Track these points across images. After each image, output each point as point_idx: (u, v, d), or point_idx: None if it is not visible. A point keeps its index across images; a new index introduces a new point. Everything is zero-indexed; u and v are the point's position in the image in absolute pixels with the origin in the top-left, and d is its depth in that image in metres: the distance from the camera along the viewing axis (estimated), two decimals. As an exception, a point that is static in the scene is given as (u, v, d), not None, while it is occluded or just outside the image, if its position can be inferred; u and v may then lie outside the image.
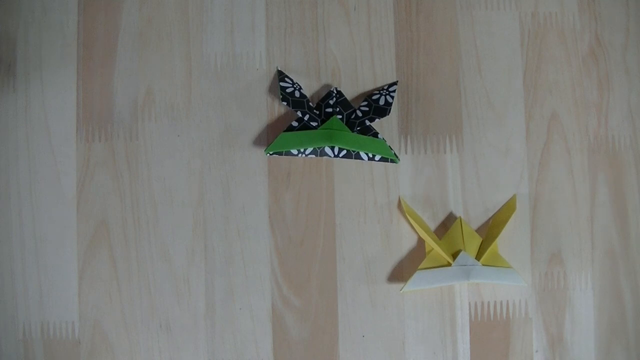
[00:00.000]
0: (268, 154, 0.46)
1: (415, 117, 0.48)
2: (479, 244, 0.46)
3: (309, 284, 0.46)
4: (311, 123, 0.45)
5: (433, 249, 0.46)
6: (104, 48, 0.47)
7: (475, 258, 0.45)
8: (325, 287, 0.46)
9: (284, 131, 0.45)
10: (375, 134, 0.45)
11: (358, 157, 0.46)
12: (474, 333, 0.46)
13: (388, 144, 0.45)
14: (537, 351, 0.47)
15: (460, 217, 0.47)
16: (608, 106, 0.48)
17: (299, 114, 0.46)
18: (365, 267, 0.47)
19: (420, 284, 0.44)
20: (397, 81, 0.48)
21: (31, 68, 0.47)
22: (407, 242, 0.47)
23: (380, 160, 0.46)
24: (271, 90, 0.47)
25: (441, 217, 0.47)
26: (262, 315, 0.46)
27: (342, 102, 0.46)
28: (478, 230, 0.47)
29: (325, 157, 0.46)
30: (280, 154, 0.46)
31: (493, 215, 0.47)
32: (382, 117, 0.46)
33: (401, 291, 0.45)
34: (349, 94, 0.48)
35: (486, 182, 0.48)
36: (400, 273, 0.47)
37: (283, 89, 0.46)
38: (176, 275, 0.46)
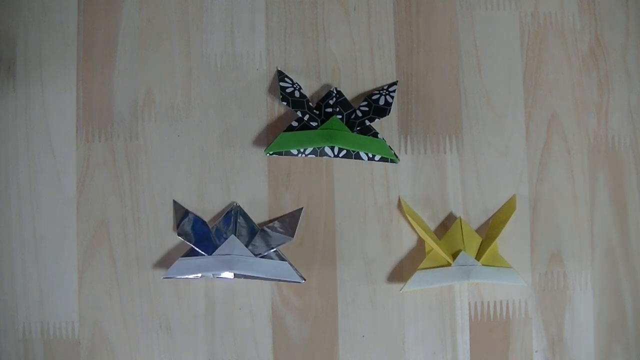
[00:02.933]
0: (268, 154, 0.46)
1: (415, 117, 0.48)
2: (479, 244, 0.46)
3: (309, 284, 0.46)
4: (311, 123, 0.45)
5: (433, 249, 0.46)
6: (104, 48, 0.47)
7: (475, 258, 0.45)
8: (325, 287, 0.46)
9: (284, 131, 0.45)
10: (375, 134, 0.45)
11: (358, 157, 0.46)
12: (474, 333, 0.46)
13: (388, 144, 0.45)
14: (537, 351, 0.47)
15: (460, 217, 0.47)
16: (608, 106, 0.48)
17: (299, 114, 0.45)
18: (365, 267, 0.47)
19: (420, 284, 0.44)
20: (397, 81, 0.48)
21: (31, 68, 0.47)
22: (407, 242, 0.47)
23: (380, 160, 0.46)
24: (271, 90, 0.47)
25: (441, 217, 0.47)
26: (262, 315, 0.46)
27: (342, 102, 0.46)
28: (478, 230, 0.47)
29: (325, 157, 0.46)
30: (280, 154, 0.46)
31: (493, 215, 0.47)
32: (382, 117, 0.46)
33: (401, 291, 0.45)
34: (349, 94, 0.48)
35: (486, 182, 0.48)
36: (400, 273, 0.47)
37: (283, 89, 0.46)
38: (176, 275, 0.46)
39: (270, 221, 0.46)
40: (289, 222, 0.46)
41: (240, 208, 0.46)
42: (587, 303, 0.47)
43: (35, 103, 0.47)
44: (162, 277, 0.44)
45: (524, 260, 0.47)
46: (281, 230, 0.45)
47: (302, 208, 0.46)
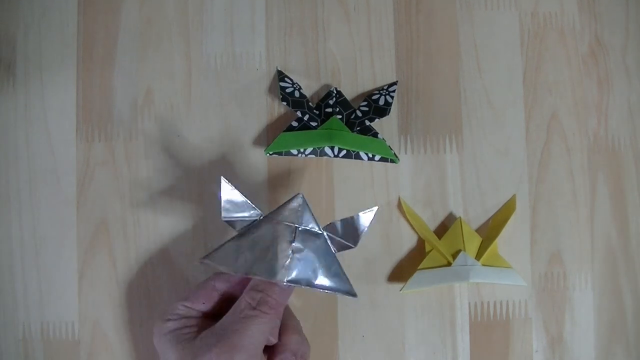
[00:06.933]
0: (268, 154, 0.46)
1: (415, 117, 0.48)
2: (479, 244, 0.46)
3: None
4: (311, 123, 0.45)
5: (433, 249, 0.46)
6: (104, 48, 0.47)
7: (475, 258, 0.45)
8: (325, 287, 0.46)
9: (284, 131, 0.45)
10: (375, 134, 0.45)
11: (358, 157, 0.46)
12: (474, 333, 0.46)
13: (388, 144, 0.45)
14: (537, 351, 0.47)
15: (460, 217, 0.47)
16: (608, 106, 0.48)
17: (299, 114, 0.46)
18: (365, 267, 0.47)
19: (420, 284, 0.44)
20: (397, 81, 0.48)
21: (31, 68, 0.47)
22: (407, 242, 0.47)
23: (380, 160, 0.46)
24: (271, 90, 0.47)
25: (441, 217, 0.47)
26: (262, 315, 0.46)
27: (342, 102, 0.46)
28: (478, 230, 0.47)
29: (325, 157, 0.46)
30: (280, 154, 0.46)
31: (493, 215, 0.47)
32: (382, 117, 0.46)
33: (401, 291, 0.45)
34: (349, 94, 0.48)
35: (486, 182, 0.48)
36: (400, 273, 0.47)
37: (283, 89, 0.46)
38: (176, 275, 0.46)
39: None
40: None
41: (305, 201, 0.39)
42: (587, 303, 0.47)
43: (35, 103, 0.47)
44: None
45: (524, 260, 0.47)
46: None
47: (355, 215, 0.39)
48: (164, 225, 0.46)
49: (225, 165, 0.47)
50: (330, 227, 0.39)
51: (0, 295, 0.46)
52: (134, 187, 0.46)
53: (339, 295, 0.46)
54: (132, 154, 0.47)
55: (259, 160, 0.47)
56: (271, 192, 0.47)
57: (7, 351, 0.46)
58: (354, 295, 0.38)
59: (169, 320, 0.38)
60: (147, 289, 0.46)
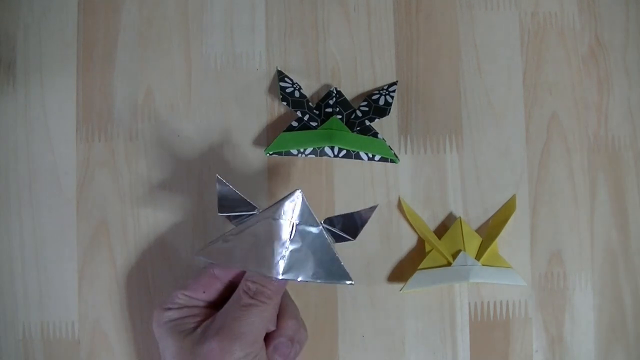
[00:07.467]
0: (268, 154, 0.46)
1: (415, 117, 0.48)
2: (479, 244, 0.46)
3: (309, 284, 0.46)
4: (311, 123, 0.45)
5: (433, 249, 0.46)
6: (104, 48, 0.47)
7: (475, 258, 0.45)
8: (324, 287, 0.46)
9: (284, 131, 0.45)
10: (375, 134, 0.45)
11: (358, 157, 0.46)
12: (474, 333, 0.46)
13: (388, 144, 0.45)
14: (537, 351, 0.47)
15: (460, 217, 0.47)
16: (608, 106, 0.48)
17: (299, 114, 0.46)
18: (365, 267, 0.47)
19: (420, 284, 0.44)
20: (397, 81, 0.48)
21: (31, 68, 0.47)
22: (407, 242, 0.47)
23: (380, 160, 0.46)
24: (271, 90, 0.47)
25: (441, 217, 0.47)
26: (262, 315, 0.46)
27: (342, 102, 0.46)
28: (478, 230, 0.47)
29: (325, 157, 0.46)
30: (280, 154, 0.46)
31: (493, 215, 0.47)
32: (382, 117, 0.46)
33: (401, 291, 0.45)
34: (349, 94, 0.48)
35: (486, 182, 0.48)
36: (400, 273, 0.47)
37: (283, 89, 0.46)
38: (176, 275, 0.46)
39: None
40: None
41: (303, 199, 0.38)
42: (587, 303, 0.47)
43: (35, 103, 0.47)
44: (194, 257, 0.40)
45: (524, 260, 0.47)
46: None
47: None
48: (164, 225, 0.46)
49: (225, 165, 0.47)
50: (329, 221, 0.39)
51: (0, 295, 0.46)
52: (134, 186, 0.46)
53: (338, 287, 0.46)
54: (132, 154, 0.47)
55: (259, 160, 0.47)
56: (271, 192, 0.47)
57: (7, 351, 0.46)
58: (350, 280, 0.38)
59: (169, 309, 0.38)
60: (147, 289, 0.46)
